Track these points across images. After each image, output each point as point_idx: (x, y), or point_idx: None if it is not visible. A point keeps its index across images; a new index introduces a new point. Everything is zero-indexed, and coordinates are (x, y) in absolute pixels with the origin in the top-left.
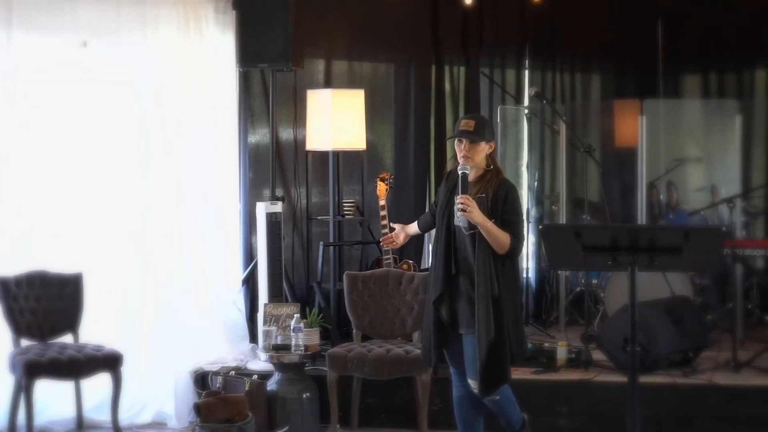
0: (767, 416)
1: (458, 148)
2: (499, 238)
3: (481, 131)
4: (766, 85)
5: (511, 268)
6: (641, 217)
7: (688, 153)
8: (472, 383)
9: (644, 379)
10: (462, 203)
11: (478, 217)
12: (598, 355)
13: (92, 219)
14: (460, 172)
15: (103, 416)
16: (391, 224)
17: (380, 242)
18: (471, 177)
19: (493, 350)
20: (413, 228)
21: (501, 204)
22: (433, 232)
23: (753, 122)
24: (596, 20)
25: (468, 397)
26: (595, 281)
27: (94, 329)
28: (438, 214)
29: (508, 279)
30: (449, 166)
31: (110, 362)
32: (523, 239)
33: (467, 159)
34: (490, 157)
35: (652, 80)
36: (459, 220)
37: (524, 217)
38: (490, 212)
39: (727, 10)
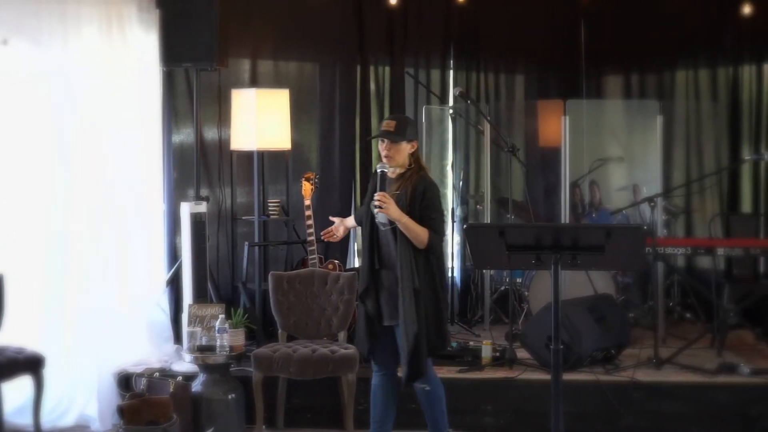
0: (688, 412)
1: (380, 148)
2: (417, 233)
3: (402, 131)
4: (686, 86)
5: (434, 263)
6: (564, 216)
7: (611, 153)
8: (403, 372)
9: (568, 376)
10: (379, 200)
11: (395, 213)
12: (522, 354)
13: (12, 219)
14: (379, 171)
15: (25, 419)
16: (331, 218)
17: (321, 236)
18: (393, 175)
19: (415, 341)
20: (351, 221)
21: (419, 200)
22: (360, 231)
23: (674, 123)
24: (520, 21)
25: (383, 386)
26: (519, 280)
27: (14, 331)
28: (363, 212)
29: (430, 273)
30: (377, 165)
31: (32, 364)
32: (443, 234)
33: (389, 158)
34: (413, 156)
35: (575, 81)
36: (378, 216)
37: (444, 213)
38: (409, 208)
39: (649, 12)
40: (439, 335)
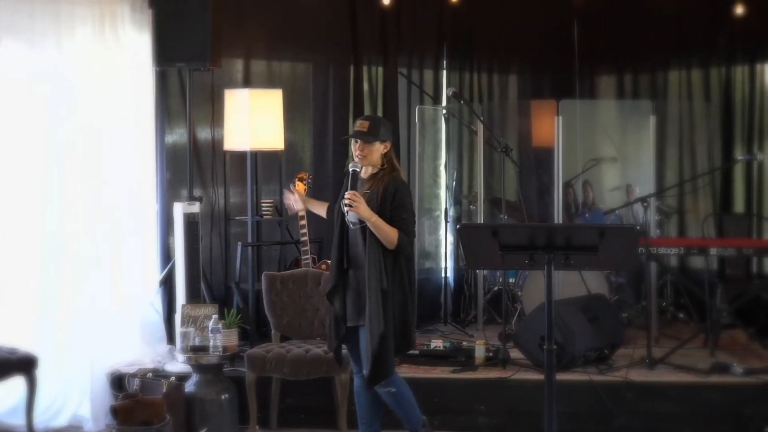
0: (681, 412)
1: (353, 148)
2: (387, 233)
3: (375, 131)
4: (679, 86)
5: (403, 263)
6: (558, 216)
7: (604, 153)
8: (365, 373)
9: (561, 376)
10: (349, 198)
11: (365, 212)
12: (515, 354)
13: (5, 219)
14: (350, 170)
15: (18, 420)
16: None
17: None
18: (365, 175)
19: (381, 342)
20: (318, 207)
21: (390, 200)
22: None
23: (667, 123)
24: (513, 21)
25: (365, 387)
26: (512, 280)
27: (7, 332)
28: (334, 210)
29: (399, 274)
30: (350, 165)
31: (24, 365)
32: (413, 235)
33: (362, 158)
34: (386, 157)
35: (568, 81)
36: (349, 215)
37: (415, 214)
38: (380, 208)
39: (642, 12)
40: (403, 336)
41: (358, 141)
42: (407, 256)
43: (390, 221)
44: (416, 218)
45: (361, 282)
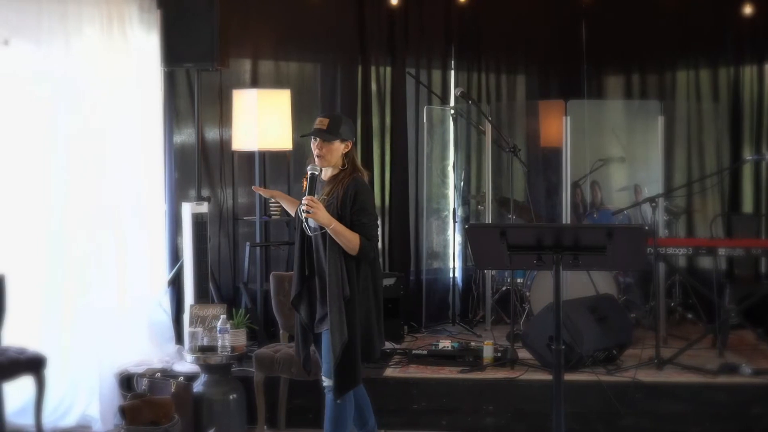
0: (689, 412)
1: (312, 147)
2: (348, 239)
3: (335, 130)
4: (687, 87)
5: (367, 269)
6: (566, 216)
7: (612, 153)
8: (326, 381)
9: (569, 376)
10: (306, 204)
11: (322, 218)
12: (523, 354)
13: (13, 220)
14: (309, 172)
15: (27, 420)
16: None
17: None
18: (326, 176)
19: (345, 351)
20: (289, 204)
21: (350, 204)
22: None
23: (675, 123)
24: (521, 21)
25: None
26: (520, 280)
27: (16, 332)
28: (296, 215)
29: (364, 280)
30: (308, 167)
31: (33, 365)
32: (376, 239)
33: (321, 158)
34: (347, 157)
35: (576, 81)
36: (307, 220)
37: (377, 216)
38: (340, 212)
39: (650, 12)
40: (366, 344)
41: (317, 139)
42: (370, 260)
43: (351, 226)
44: (380, 220)
45: (325, 289)
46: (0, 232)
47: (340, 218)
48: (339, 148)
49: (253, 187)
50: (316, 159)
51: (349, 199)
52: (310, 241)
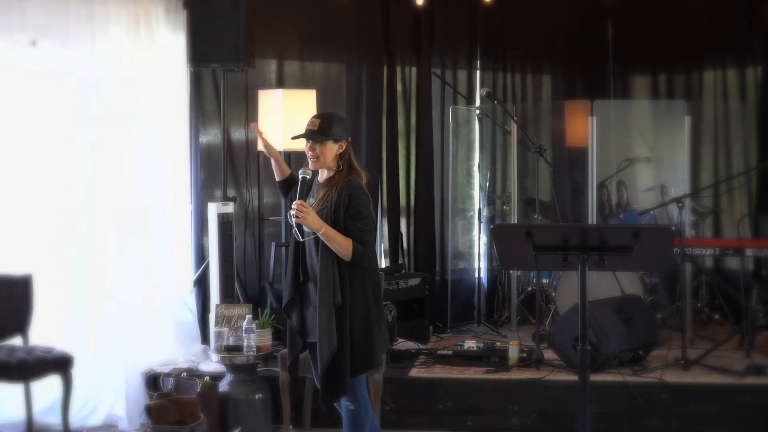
0: (716, 413)
1: (305, 149)
2: (340, 244)
3: (328, 130)
4: (714, 86)
5: (365, 275)
6: (592, 216)
7: (638, 153)
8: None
9: (595, 377)
10: (296, 209)
11: (313, 223)
12: (549, 354)
13: (41, 220)
14: (300, 176)
15: (54, 419)
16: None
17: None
18: (321, 179)
19: (334, 360)
20: (280, 171)
21: (344, 208)
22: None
23: (702, 123)
24: (546, 21)
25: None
26: (546, 281)
27: (44, 331)
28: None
29: (360, 287)
30: (300, 170)
31: (60, 364)
32: (370, 245)
33: (314, 160)
34: (343, 158)
35: (602, 81)
36: (299, 225)
37: (374, 220)
38: (334, 216)
39: (676, 11)
40: (366, 353)
41: (309, 141)
42: (365, 266)
43: (345, 231)
44: (378, 225)
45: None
46: (27, 233)
47: (334, 223)
48: (333, 148)
49: (251, 123)
50: (310, 162)
51: (342, 203)
52: (304, 247)
